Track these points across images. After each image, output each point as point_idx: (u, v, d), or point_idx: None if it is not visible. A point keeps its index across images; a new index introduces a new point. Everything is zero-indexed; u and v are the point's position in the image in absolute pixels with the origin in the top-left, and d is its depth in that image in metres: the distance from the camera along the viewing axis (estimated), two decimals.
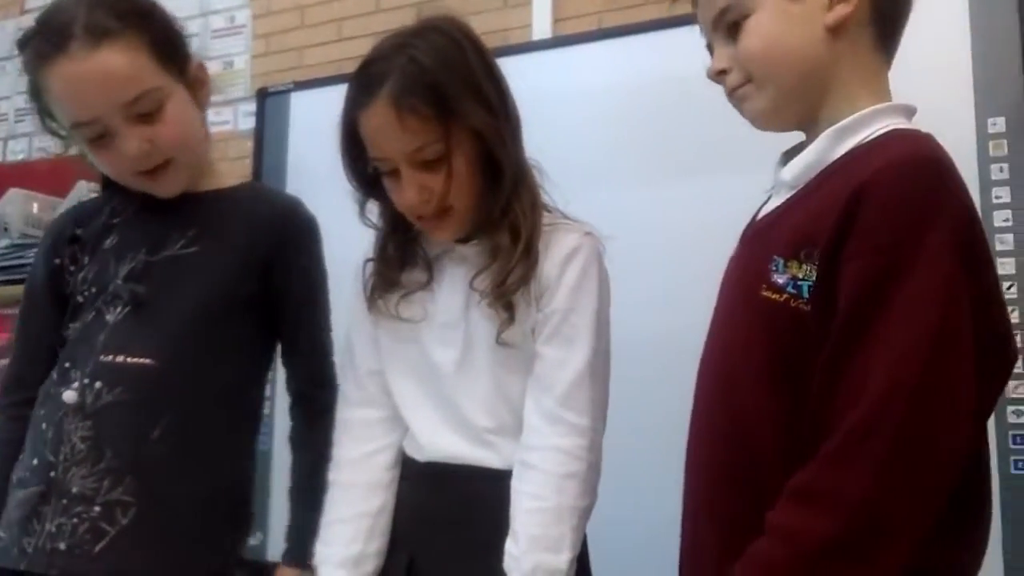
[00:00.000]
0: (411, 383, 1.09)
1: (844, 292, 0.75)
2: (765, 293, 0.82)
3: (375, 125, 1.01)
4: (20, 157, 2.74)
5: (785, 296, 0.81)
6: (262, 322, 1.19)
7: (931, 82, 1.72)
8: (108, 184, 1.23)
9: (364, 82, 1.01)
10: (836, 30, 0.86)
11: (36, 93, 1.11)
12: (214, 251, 1.16)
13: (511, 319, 1.01)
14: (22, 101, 2.65)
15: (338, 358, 1.22)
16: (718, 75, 0.92)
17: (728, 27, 0.90)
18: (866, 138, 0.85)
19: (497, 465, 1.03)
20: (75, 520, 1.07)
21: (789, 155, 0.94)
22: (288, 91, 2.32)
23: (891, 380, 0.71)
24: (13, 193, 2.34)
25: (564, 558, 0.95)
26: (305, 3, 2.45)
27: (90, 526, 1.06)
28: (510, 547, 0.97)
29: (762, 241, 0.88)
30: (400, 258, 1.11)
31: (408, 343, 1.09)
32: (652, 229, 1.84)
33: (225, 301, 1.15)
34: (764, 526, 0.76)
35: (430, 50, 1.01)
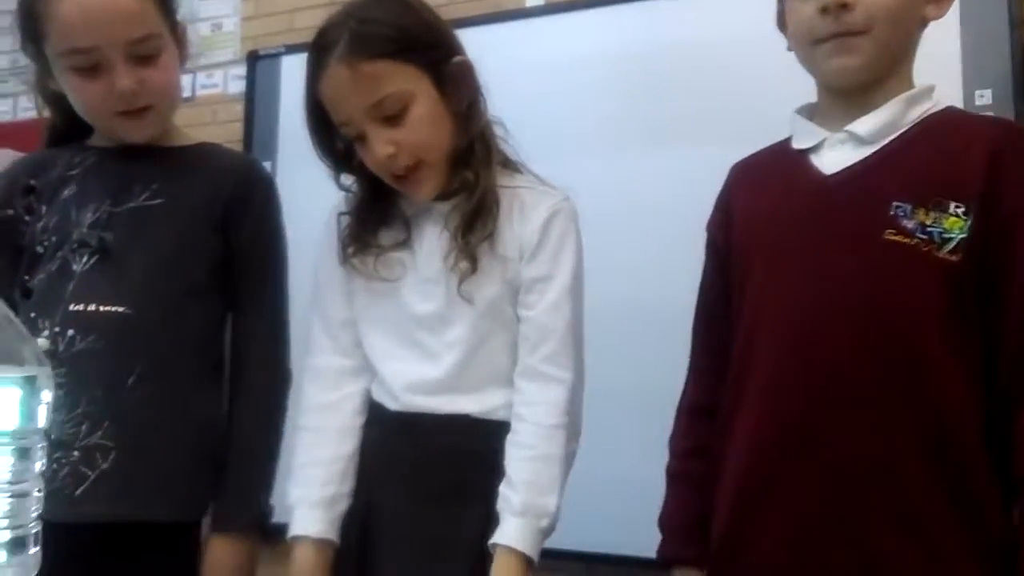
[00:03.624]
0: (385, 334, 1.12)
1: None
2: (892, 237, 0.91)
3: (332, 89, 1.05)
4: (6, 118, 2.73)
5: (916, 240, 0.90)
6: (223, 273, 1.21)
7: (919, 53, 1.71)
8: (54, 143, 1.25)
9: (316, 52, 1.06)
10: (924, 23, 0.97)
11: (30, 17, 1.13)
12: (178, 203, 1.18)
13: (472, 270, 1.06)
14: (6, 61, 2.64)
15: (300, 312, 1.24)
16: (839, 7, 0.93)
17: None
18: (929, 110, 0.97)
19: (471, 412, 1.07)
20: (55, 465, 1.08)
21: (804, 113, 1.02)
22: (279, 55, 2.31)
23: None
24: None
25: (552, 500, 1.02)
26: None
27: (71, 470, 1.08)
28: (504, 490, 1.03)
29: (862, 191, 0.94)
30: (377, 220, 1.14)
31: (385, 297, 1.12)
32: (644, 196, 1.85)
33: (191, 251, 1.18)
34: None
35: (374, 10, 1.06)
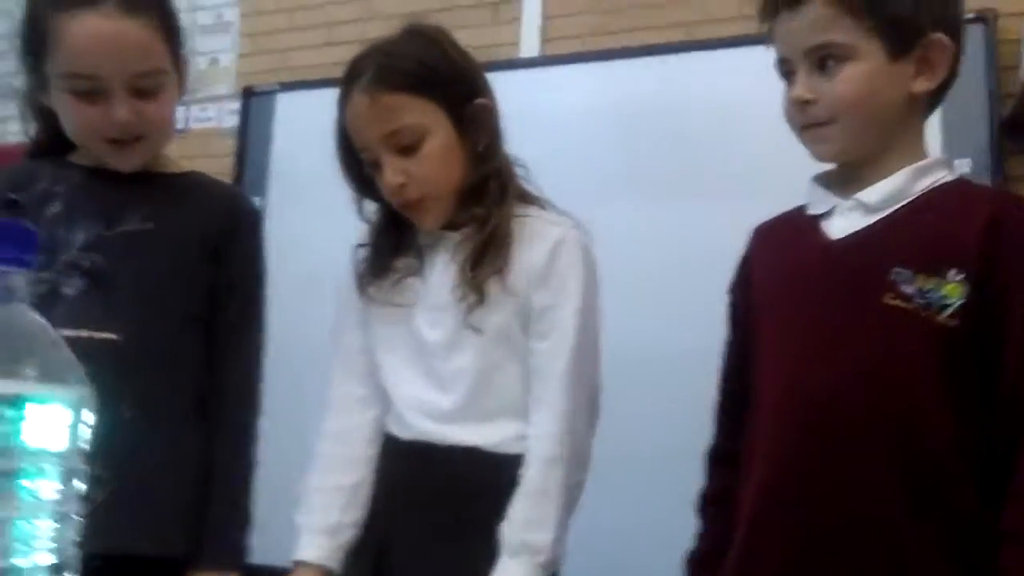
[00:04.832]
0: (399, 359, 1.13)
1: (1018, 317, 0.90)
2: (892, 301, 0.92)
3: (353, 115, 1.10)
4: None
5: (914, 306, 0.91)
6: (210, 301, 1.20)
7: None
8: (35, 156, 1.24)
9: (345, 82, 1.11)
10: (915, 96, 0.98)
11: (35, 31, 1.12)
12: (169, 230, 1.17)
13: (479, 302, 1.07)
14: None
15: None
16: (802, 103, 0.98)
17: (820, 60, 0.97)
18: (940, 179, 0.99)
19: (480, 444, 1.07)
20: None
21: (821, 180, 1.05)
22: (274, 92, 2.33)
23: None
24: None
25: (546, 537, 1.02)
26: (294, 5, 2.46)
27: None
28: (502, 527, 1.03)
29: (864, 256, 0.97)
30: (393, 246, 1.16)
31: (399, 325, 1.13)
32: (630, 249, 1.88)
33: (183, 279, 1.17)
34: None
35: (404, 46, 1.11)
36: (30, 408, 0.42)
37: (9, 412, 0.40)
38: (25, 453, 0.41)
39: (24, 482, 0.41)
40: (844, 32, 0.95)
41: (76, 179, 1.18)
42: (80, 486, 0.45)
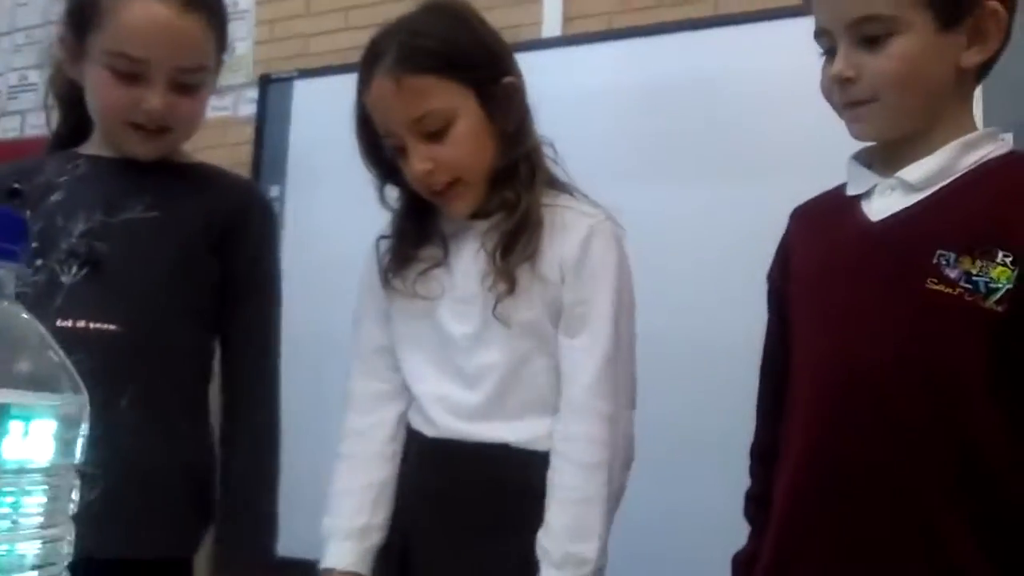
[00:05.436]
0: (423, 357, 1.09)
1: None
2: (935, 286, 0.87)
3: (376, 100, 1.05)
4: (12, 135, 2.70)
5: (959, 290, 0.86)
6: (215, 294, 1.17)
7: None
8: (53, 149, 1.23)
9: (366, 62, 1.06)
10: (964, 69, 0.92)
11: (91, 6, 1.10)
12: (175, 219, 1.14)
13: (510, 291, 1.03)
14: (15, 79, 2.63)
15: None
16: (843, 81, 0.93)
17: (863, 34, 0.91)
18: (988, 154, 0.93)
19: (510, 441, 1.03)
20: None
21: (861, 158, 0.99)
22: (291, 79, 2.29)
23: None
24: None
25: (592, 546, 0.98)
26: None
27: None
28: (541, 537, 0.99)
29: (906, 239, 0.91)
30: (417, 235, 1.12)
31: (423, 319, 1.09)
32: (654, 230, 1.82)
33: (188, 270, 1.14)
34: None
35: (427, 23, 1.06)
36: (14, 420, 0.37)
37: None
38: (2, 471, 0.37)
39: (6, 500, 0.37)
40: (890, 2, 0.89)
41: (81, 168, 1.15)
42: (71, 505, 0.41)
